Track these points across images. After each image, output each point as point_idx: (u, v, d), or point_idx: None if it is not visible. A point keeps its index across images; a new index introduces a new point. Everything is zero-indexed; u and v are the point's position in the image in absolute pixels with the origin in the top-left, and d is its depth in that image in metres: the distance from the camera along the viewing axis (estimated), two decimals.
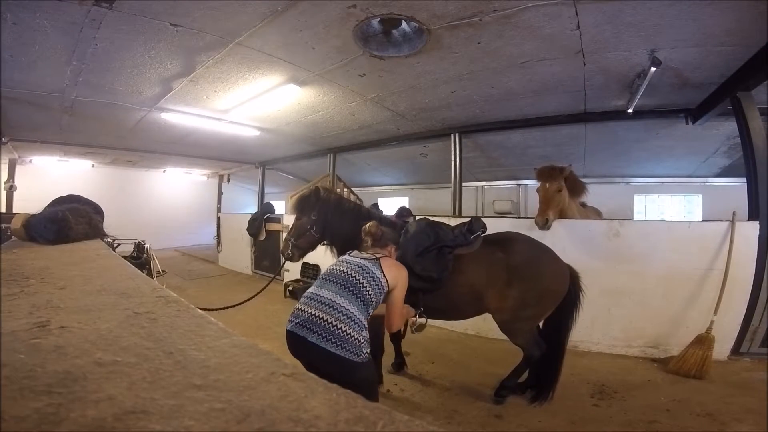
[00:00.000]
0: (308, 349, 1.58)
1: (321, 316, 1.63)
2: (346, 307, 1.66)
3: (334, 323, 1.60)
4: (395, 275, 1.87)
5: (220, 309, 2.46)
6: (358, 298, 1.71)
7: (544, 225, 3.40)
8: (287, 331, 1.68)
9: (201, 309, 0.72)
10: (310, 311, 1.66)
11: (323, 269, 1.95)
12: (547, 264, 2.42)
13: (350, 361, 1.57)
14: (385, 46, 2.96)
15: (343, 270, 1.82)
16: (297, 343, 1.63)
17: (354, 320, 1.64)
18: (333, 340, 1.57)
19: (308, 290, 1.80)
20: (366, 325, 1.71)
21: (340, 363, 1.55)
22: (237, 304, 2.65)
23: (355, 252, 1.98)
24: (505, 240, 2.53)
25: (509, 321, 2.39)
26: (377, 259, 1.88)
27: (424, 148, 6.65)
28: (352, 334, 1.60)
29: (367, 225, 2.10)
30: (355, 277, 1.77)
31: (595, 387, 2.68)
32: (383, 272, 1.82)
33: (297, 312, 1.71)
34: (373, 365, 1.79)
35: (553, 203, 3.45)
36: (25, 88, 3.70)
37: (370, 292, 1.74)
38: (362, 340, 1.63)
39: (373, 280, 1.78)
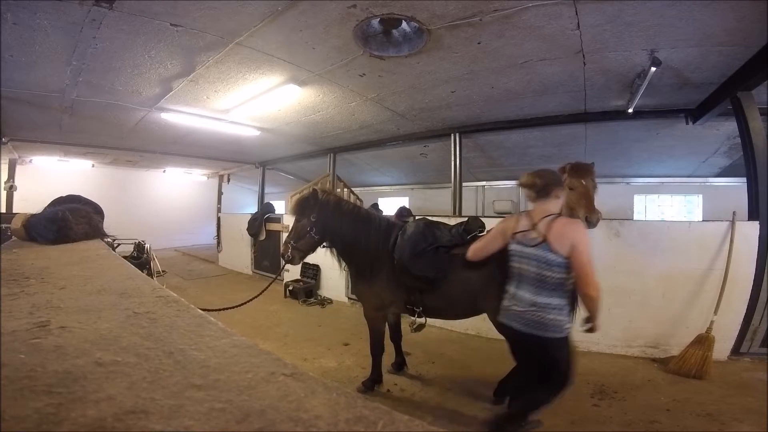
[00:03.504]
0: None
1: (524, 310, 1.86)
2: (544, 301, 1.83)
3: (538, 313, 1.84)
4: (571, 238, 1.77)
5: (220, 310, 2.45)
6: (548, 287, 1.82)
7: (596, 222, 3.28)
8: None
9: (201, 309, 0.72)
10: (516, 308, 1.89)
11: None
12: None
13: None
14: (385, 46, 2.96)
15: (525, 268, 1.87)
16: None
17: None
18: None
19: (508, 290, 1.95)
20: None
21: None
22: (236, 306, 2.64)
23: (520, 235, 1.90)
24: None
25: None
26: (543, 240, 1.79)
27: (424, 148, 6.64)
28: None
29: (523, 178, 1.98)
30: (538, 272, 1.82)
31: (595, 387, 2.69)
32: (553, 250, 1.77)
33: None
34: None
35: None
36: (25, 88, 3.70)
37: (554, 277, 1.81)
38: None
39: (548, 265, 1.79)
